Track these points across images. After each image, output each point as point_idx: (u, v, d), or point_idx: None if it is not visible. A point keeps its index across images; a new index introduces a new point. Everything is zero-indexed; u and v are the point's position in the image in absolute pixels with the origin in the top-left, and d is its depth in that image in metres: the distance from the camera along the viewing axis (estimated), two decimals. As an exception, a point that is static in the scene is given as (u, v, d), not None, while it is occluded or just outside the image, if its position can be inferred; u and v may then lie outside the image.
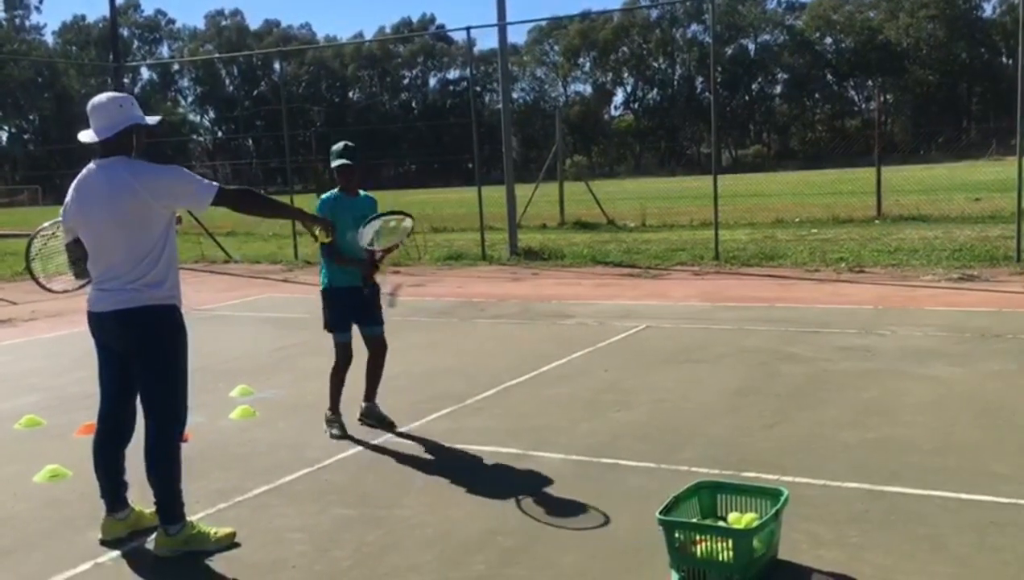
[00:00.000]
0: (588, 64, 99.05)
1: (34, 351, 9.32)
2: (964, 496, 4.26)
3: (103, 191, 3.88)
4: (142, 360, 3.97)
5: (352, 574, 3.77)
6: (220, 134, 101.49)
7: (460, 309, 10.82)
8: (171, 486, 4.01)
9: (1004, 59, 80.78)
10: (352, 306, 5.67)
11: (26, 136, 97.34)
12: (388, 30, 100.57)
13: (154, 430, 4.00)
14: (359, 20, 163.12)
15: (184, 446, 4.17)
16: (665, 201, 25.58)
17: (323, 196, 5.68)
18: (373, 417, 5.88)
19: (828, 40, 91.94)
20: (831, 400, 6.06)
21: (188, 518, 4.07)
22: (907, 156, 41.00)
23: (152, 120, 4.11)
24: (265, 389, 7.02)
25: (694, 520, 3.71)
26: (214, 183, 4.01)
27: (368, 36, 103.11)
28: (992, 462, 4.71)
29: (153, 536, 4.09)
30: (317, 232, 4.63)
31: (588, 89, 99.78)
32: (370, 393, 5.92)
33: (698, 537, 3.52)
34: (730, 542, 3.45)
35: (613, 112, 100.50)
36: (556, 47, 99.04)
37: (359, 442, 5.56)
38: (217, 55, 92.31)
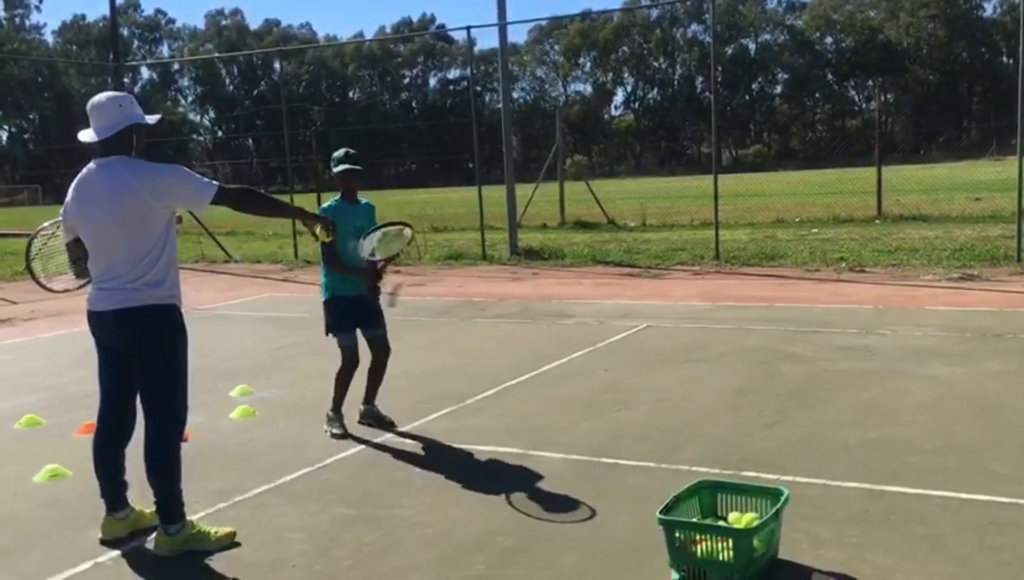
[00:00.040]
0: (588, 64, 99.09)
1: (34, 351, 9.31)
2: (964, 496, 4.26)
3: (103, 190, 3.88)
4: (142, 359, 3.97)
5: (352, 574, 3.77)
6: (220, 134, 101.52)
7: (460, 309, 10.82)
8: (171, 486, 4.01)
9: (1005, 59, 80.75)
10: (355, 312, 5.71)
11: (26, 136, 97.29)
12: (388, 30, 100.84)
13: (154, 430, 4.01)
14: (359, 20, 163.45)
15: (184, 446, 4.17)
16: (665, 201, 25.58)
17: (323, 205, 5.73)
18: (373, 418, 5.90)
19: (828, 40, 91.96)
20: (831, 400, 6.06)
21: (188, 518, 4.08)
22: (907, 156, 41.07)
23: (152, 119, 4.11)
24: (265, 389, 7.02)
25: (694, 520, 3.72)
26: (214, 182, 4.01)
27: (368, 36, 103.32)
28: (992, 462, 4.71)
29: (153, 536, 4.09)
30: (318, 231, 4.63)
31: (588, 89, 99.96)
32: (370, 395, 5.94)
33: (698, 537, 3.52)
34: (730, 542, 3.45)
35: (613, 112, 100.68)
36: (556, 47, 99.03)
37: (359, 442, 5.57)
38: (217, 55, 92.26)
